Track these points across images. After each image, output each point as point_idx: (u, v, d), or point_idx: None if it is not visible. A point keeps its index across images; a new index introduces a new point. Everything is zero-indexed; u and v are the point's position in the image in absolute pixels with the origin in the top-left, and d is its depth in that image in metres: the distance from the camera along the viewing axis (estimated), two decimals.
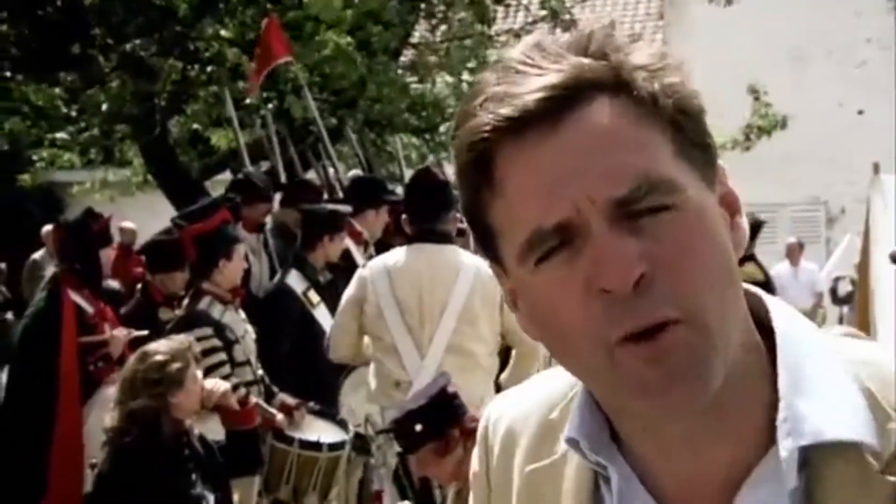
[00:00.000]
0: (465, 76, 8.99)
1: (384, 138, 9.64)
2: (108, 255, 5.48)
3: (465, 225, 2.67)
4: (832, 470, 0.79)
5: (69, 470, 4.73)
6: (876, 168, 5.95)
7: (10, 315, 9.02)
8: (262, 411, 4.54)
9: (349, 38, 8.19)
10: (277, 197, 6.67)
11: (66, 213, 11.97)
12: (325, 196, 6.80)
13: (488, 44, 9.23)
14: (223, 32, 8.56)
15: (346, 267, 5.31)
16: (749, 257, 6.80)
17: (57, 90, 9.26)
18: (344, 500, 4.97)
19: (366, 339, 4.41)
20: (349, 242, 5.67)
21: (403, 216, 4.44)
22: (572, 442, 0.87)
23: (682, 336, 0.77)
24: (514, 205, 0.81)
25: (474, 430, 1.05)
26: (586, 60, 0.80)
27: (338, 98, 8.99)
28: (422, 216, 4.28)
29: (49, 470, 4.77)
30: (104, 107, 8.58)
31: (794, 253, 11.27)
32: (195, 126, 9.67)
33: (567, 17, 9.29)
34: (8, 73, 9.08)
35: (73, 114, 9.57)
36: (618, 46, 0.82)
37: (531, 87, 0.79)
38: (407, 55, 10.03)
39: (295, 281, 5.28)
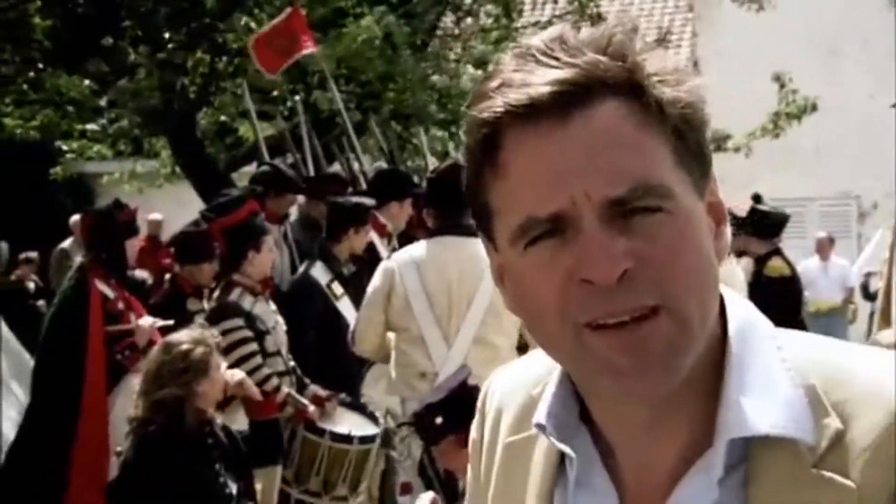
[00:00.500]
0: (491, 69, 8.96)
1: (409, 131, 9.65)
2: (134, 246, 5.52)
3: None
4: (767, 462, 0.83)
5: (94, 458, 4.78)
6: None
7: (41, 302, 9.15)
8: (293, 402, 4.57)
9: (376, 31, 8.20)
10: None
11: (95, 203, 12.08)
12: (350, 189, 6.81)
13: (514, 36, 9.20)
14: (252, 25, 8.60)
15: (369, 259, 5.33)
16: (775, 252, 6.74)
17: (87, 82, 9.35)
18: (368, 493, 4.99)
19: (388, 334, 4.42)
20: (373, 235, 5.69)
21: (425, 209, 4.44)
22: (540, 427, 0.91)
23: (662, 325, 0.81)
24: (515, 189, 0.84)
25: None
26: (603, 59, 0.82)
27: (363, 90, 9.00)
28: (447, 209, 4.29)
29: (74, 457, 4.82)
30: (133, 98, 8.65)
31: (823, 248, 11.15)
32: (223, 118, 9.73)
33: (594, 10, 9.24)
34: (40, 65, 9.17)
35: (104, 105, 9.66)
36: (635, 50, 0.84)
37: (547, 79, 0.82)
38: (433, 48, 10.02)
39: (319, 273, 5.31)
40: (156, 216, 9.82)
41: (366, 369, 5.14)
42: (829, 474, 0.81)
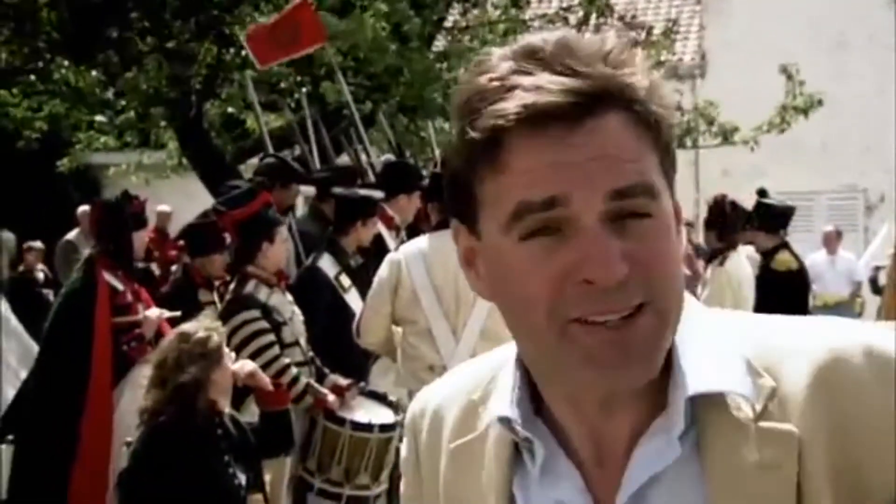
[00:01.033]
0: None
1: (417, 123, 9.64)
2: (142, 238, 5.52)
3: None
4: (714, 418, 0.92)
5: (99, 449, 4.78)
6: None
7: (49, 292, 9.17)
8: (313, 392, 4.58)
9: (384, 23, 8.18)
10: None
11: (102, 195, 12.10)
12: (358, 181, 6.81)
13: (522, 28, 9.18)
14: (259, 18, 8.59)
15: (377, 252, 5.33)
16: (783, 245, 6.72)
17: (94, 73, 9.35)
18: None
19: (394, 328, 4.42)
20: (381, 227, 5.69)
21: (429, 203, 4.43)
22: (504, 420, 0.96)
23: (647, 321, 0.89)
24: (513, 181, 0.88)
25: None
26: (609, 72, 0.88)
27: (372, 82, 9.00)
28: None
29: (79, 449, 4.83)
30: (141, 89, 8.65)
31: (830, 241, 11.13)
32: (230, 109, 9.73)
33: (603, 1, 9.22)
34: (48, 56, 9.17)
35: (111, 97, 9.66)
36: (636, 63, 0.91)
37: (562, 87, 0.87)
38: (441, 40, 10.00)
39: (327, 264, 5.31)
40: (164, 208, 9.83)
41: (372, 362, 5.14)
42: (770, 424, 0.90)
